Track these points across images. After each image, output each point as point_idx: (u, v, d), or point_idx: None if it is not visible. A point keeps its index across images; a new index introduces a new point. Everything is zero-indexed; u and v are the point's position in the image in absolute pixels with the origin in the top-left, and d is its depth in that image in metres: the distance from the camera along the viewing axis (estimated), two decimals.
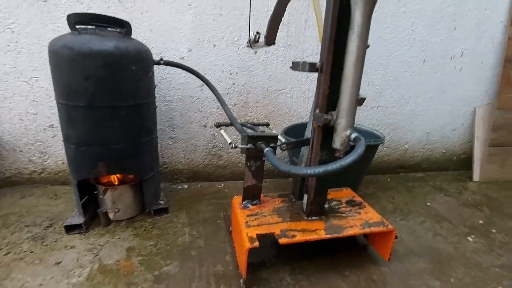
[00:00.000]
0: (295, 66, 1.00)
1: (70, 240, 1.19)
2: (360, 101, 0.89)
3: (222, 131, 1.20)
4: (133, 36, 1.21)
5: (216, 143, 1.68)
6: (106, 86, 1.05)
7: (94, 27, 1.08)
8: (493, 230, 1.41)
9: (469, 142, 2.04)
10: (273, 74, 1.61)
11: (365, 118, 1.82)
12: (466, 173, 2.06)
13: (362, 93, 1.75)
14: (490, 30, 1.79)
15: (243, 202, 1.16)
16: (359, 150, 0.76)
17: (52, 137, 1.49)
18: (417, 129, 1.93)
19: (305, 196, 1.11)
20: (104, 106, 1.07)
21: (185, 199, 1.56)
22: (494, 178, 1.96)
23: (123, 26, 1.11)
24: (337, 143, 0.91)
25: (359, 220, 1.10)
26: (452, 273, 1.12)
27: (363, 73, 0.86)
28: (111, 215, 1.28)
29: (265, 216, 1.09)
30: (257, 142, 1.06)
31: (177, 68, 1.43)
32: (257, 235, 0.98)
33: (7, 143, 1.47)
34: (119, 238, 1.22)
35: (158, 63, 1.28)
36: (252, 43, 0.98)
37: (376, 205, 1.58)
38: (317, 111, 0.96)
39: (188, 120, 1.61)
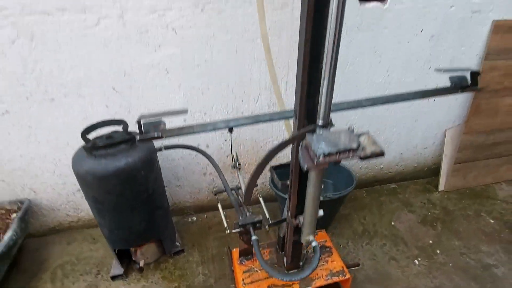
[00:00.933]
0: (273, 184, 1.25)
1: (117, 286, 1.62)
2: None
3: (220, 208, 1.51)
4: (131, 116, 1.44)
5: (216, 185, 1.99)
6: (124, 195, 1.33)
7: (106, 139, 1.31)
8: (438, 251, 1.80)
9: (439, 156, 2.30)
10: (260, 128, 1.82)
11: None
12: (434, 181, 2.36)
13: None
14: (465, 63, 1.88)
15: (240, 258, 1.54)
16: (314, 264, 1.09)
17: (81, 197, 1.82)
18: (391, 151, 2.18)
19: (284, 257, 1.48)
20: (125, 208, 1.37)
21: (195, 234, 1.95)
22: (457, 187, 2.29)
23: (129, 140, 1.32)
24: (303, 240, 1.23)
25: (325, 270, 1.49)
26: None
27: (341, 114, 1.09)
28: (142, 263, 1.68)
29: (256, 271, 1.48)
30: (246, 225, 1.38)
31: None
32: None
33: (46, 206, 1.81)
34: (152, 281, 1.65)
35: (160, 149, 1.52)
36: (235, 166, 1.21)
37: (349, 229, 1.96)
38: (289, 214, 1.25)
39: (190, 171, 1.89)
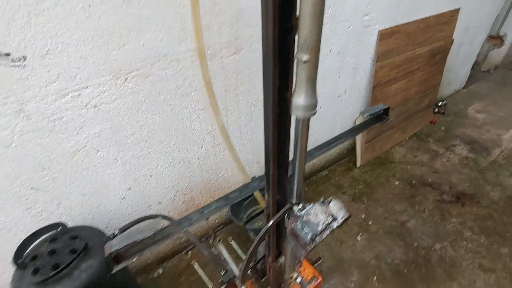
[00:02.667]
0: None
1: None
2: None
3: (200, 271, 1.50)
4: (63, 207, 1.30)
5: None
6: None
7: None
8: (370, 222, 2.27)
9: (354, 139, 2.75)
10: (208, 168, 1.80)
11: None
12: (352, 158, 2.84)
13: None
14: (363, 66, 2.23)
15: None
16: None
17: None
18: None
19: None
20: None
21: None
22: (369, 159, 2.82)
23: (80, 252, 1.14)
24: (287, 277, 1.38)
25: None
26: (349, 277, 1.92)
27: None
28: None
29: None
30: (231, 280, 1.44)
31: None
32: None
33: None
34: None
35: (115, 236, 1.36)
36: (213, 242, 1.22)
37: None
38: (269, 259, 1.37)
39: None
